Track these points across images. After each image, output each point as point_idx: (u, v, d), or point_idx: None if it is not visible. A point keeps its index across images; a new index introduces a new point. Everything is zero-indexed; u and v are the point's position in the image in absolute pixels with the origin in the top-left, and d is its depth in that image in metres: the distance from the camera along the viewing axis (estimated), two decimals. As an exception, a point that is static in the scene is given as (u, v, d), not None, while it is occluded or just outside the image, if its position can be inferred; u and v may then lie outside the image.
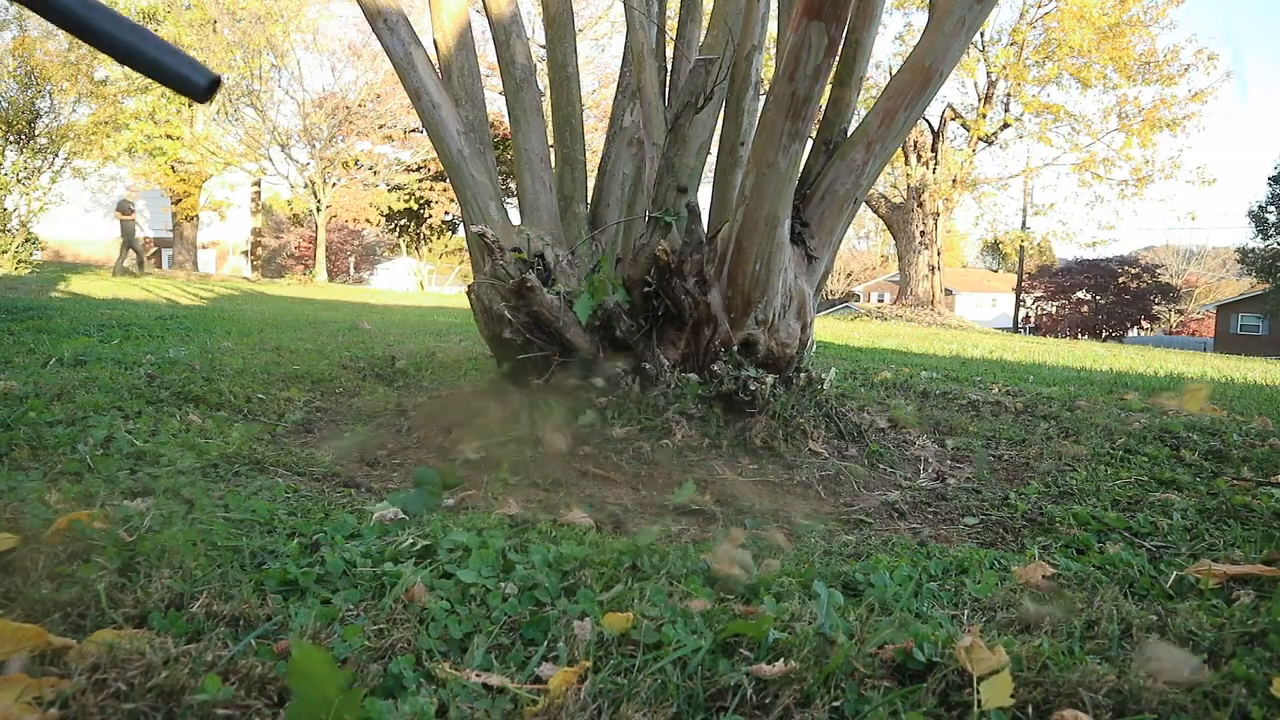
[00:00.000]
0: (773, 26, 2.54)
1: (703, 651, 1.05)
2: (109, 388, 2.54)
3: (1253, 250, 30.30)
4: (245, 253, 27.25)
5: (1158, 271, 41.77)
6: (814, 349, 2.59)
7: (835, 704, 0.97)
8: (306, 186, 23.02)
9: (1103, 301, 39.75)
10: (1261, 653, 1.10)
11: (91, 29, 0.69)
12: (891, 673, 1.04)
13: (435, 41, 2.87)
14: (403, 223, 29.23)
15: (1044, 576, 1.45)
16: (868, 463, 2.35)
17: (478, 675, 0.99)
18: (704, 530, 1.76)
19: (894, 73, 2.56)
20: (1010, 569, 1.50)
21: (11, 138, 13.07)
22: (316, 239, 24.09)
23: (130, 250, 14.87)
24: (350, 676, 0.91)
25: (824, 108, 2.47)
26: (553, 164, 2.94)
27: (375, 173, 24.84)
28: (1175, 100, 18.60)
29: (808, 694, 0.98)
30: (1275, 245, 29.42)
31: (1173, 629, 1.19)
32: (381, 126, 23.69)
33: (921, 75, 2.31)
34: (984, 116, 20.01)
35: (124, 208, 14.85)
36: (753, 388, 2.28)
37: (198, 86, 0.74)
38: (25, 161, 13.14)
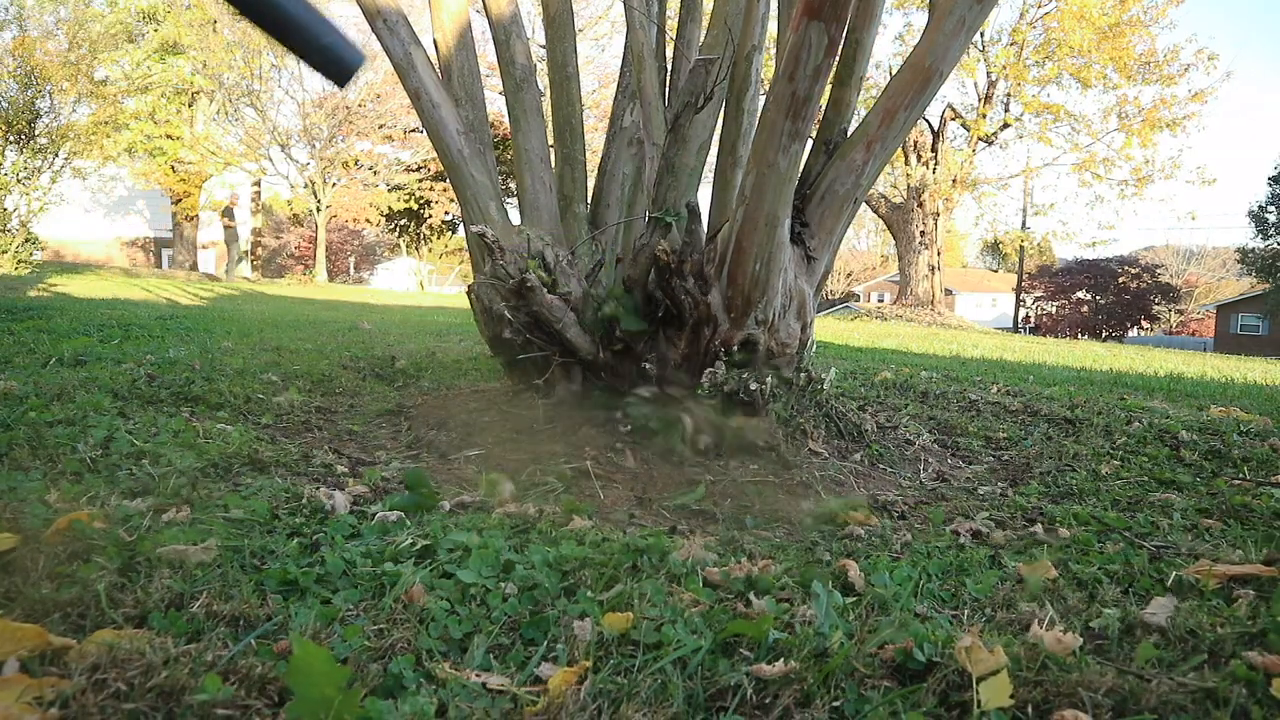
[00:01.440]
0: (773, 26, 2.54)
1: (703, 651, 1.05)
2: (109, 388, 2.54)
3: (1253, 250, 30.30)
4: (245, 252, 27.24)
5: (1158, 271, 41.77)
6: (814, 349, 2.59)
7: (835, 704, 0.97)
8: (306, 186, 23.03)
9: (1103, 301, 39.76)
10: (1261, 653, 1.10)
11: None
12: (891, 673, 1.04)
13: (435, 41, 2.87)
14: (403, 223, 29.24)
15: (1048, 576, 1.45)
16: (868, 463, 2.35)
17: (478, 675, 0.99)
18: (706, 530, 1.76)
19: (894, 73, 2.56)
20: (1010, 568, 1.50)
21: (11, 138, 13.08)
22: (316, 239, 24.10)
23: (235, 255, 15.25)
24: (350, 674, 0.91)
25: (824, 108, 2.47)
26: (553, 164, 2.94)
27: (375, 173, 24.86)
28: (1175, 100, 18.61)
29: (808, 694, 0.98)
30: (1275, 245, 29.42)
31: (1173, 629, 1.19)
32: (381, 126, 23.70)
33: (921, 75, 2.31)
34: (984, 116, 20.02)
35: (228, 213, 15.22)
36: (753, 387, 2.28)
37: (350, 69, 0.70)
38: (25, 161, 13.14)
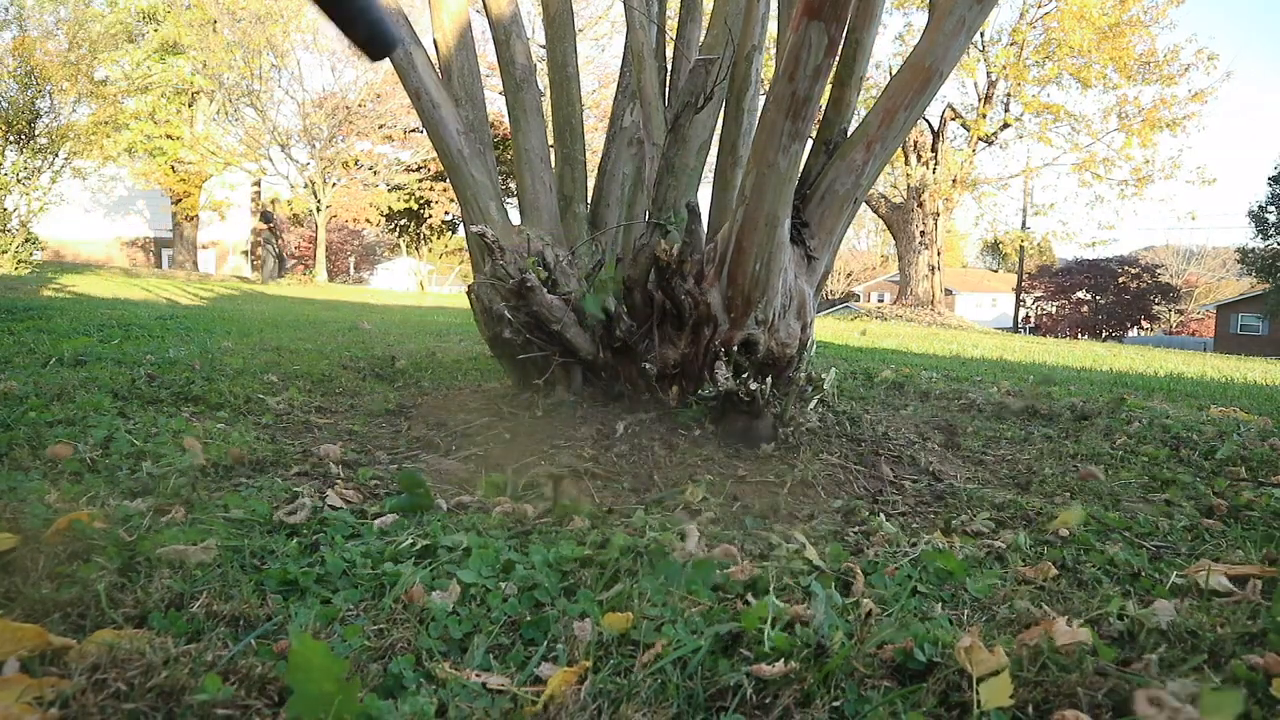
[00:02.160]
0: (773, 26, 2.54)
1: (703, 651, 1.05)
2: (109, 388, 2.54)
3: (1253, 250, 30.30)
4: (245, 252, 27.22)
5: (1158, 271, 41.78)
6: (814, 349, 2.59)
7: (835, 704, 0.97)
8: (306, 186, 23.03)
9: (1103, 301, 39.76)
10: (1261, 652, 1.10)
11: None
12: (891, 673, 1.04)
13: (435, 41, 2.87)
14: (403, 223, 29.26)
15: (1049, 576, 1.45)
16: (868, 463, 2.35)
17: (478, 675, 0.99)
18: (706, 531, 1.76)
19: (894, 73, 2.55)
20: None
21: (11, 138, 13.07)
22: (316, 239, 24.09)
23: (271, 258, 15.54)
24: (347, 666, 0.91)
25: (824, 108, 2.47)
26: (553, 164, 2.94)
27: (375, 173, 24.86)
28: (1175, 100, 18.62)
29: (808, 694, 0.98)
30: (1275, 245, 29.43)
31: (1173, 629, 1.19)
32: (381, 126, 23.70)
33: (921, 75, 2.31)
34: (984, 116, 20.02)
35: (266, 217, 15.44)
36: (753, 387, 2.28)
37: (389, 45, 0.70)
38: (25, 161, 13.13)
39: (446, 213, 27.01)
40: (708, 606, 1.20)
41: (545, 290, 2.36)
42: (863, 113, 2.44)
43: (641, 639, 1.08)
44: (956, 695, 0.98)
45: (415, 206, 27.21)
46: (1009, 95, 20.05)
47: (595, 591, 1.24)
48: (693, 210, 2.30)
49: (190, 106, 21.35)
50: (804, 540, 1.54)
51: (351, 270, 37.36)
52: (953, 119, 20.60)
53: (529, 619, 1.15)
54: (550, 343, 2.43)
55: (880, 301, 38.23)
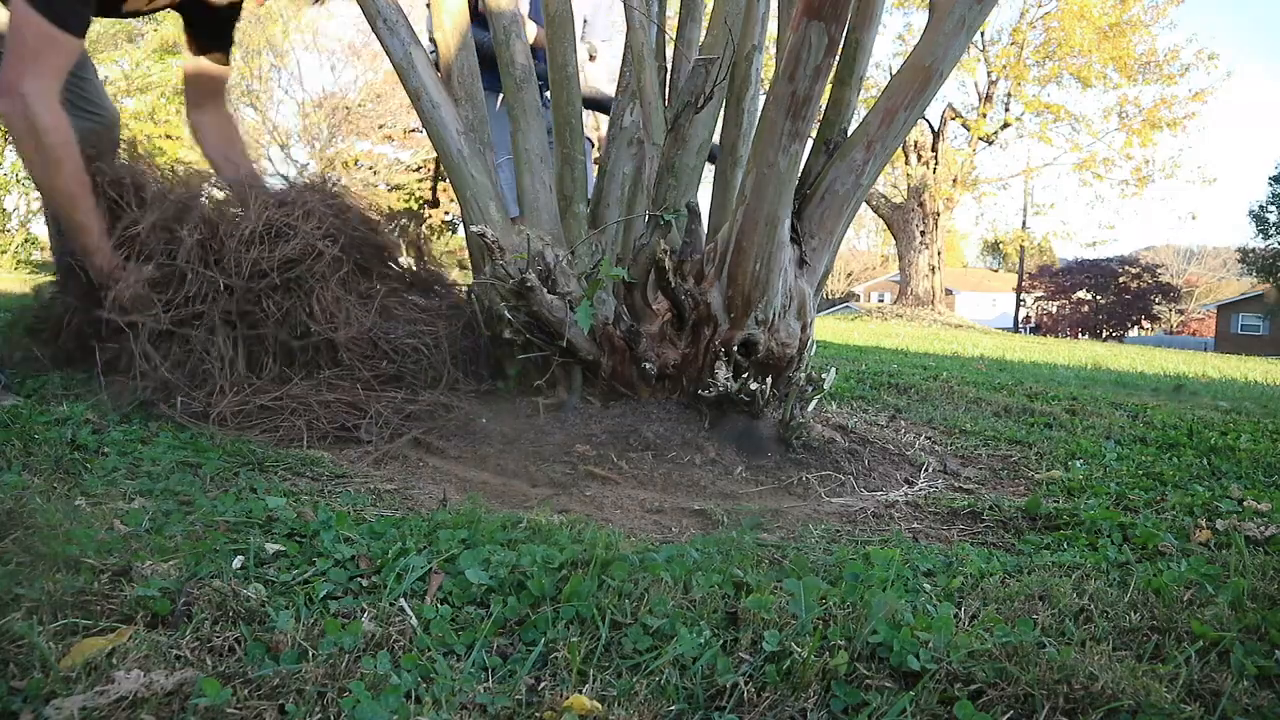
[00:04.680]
0: (773, 26, 2.54)
1: (702, 650, 1.05)
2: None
3: (1253, 250, 30.32)
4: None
5: (1158, 271, 41.79)
6: (814, 349, 2.58)
7: (834, 704, 0.97)
8: (306, 186, 23.01)
9: (1103, 301, 39.78)
10: (1261, 647, 1.11)
11: None
12: (890, 673, 1.04)
13: (435, 41, 2.87)
14: (403, 223, 29.28)
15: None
16: (868, 463, 2.35)
17: (474, 676, 0.99)
18: (705, 530, 1.76)
19: (894, 73, 2.55)
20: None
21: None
22: (316, 239, 24.10)
23: None
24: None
25: (824, 108, 2.47)
26: (553, 164, 2.93)
27: (375, 173, 24.87)
28: (1175, 100, 18.64)
29: (806, 694, 0.98)
30: (1276, 245, 29.45)
31: (1173, 627, 1.19)
32: (381, 126, 23.73)
33: (921, 75, 2.31)
34: (984, 116, 20.04)
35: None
36: (753, 388, 2.28)
37: None
38: (25, 161, 13.09)
39: (446, 213, 27.04)
40: (707, 607, 1.20)
41: (545, 290, 2.36)
42: (863, 113, 2.44)
43: (641, 639, 1.08)
44: (953, 692, 0.98)
45: (415, 206, 27.24)
46: (1009, 95, 20.07)
47: (593, 591, 1.24)
48: (693, 210, 2.29)
49: (190, 106, 21.34)
50: (804, 538, 1.54)
51: (352, 270, 37.28)
52: (953, 119, 20.63)
53: (526, 620, 1.15)
54: (550, 343, 2.43)
55: (880, 301, 38.24)
